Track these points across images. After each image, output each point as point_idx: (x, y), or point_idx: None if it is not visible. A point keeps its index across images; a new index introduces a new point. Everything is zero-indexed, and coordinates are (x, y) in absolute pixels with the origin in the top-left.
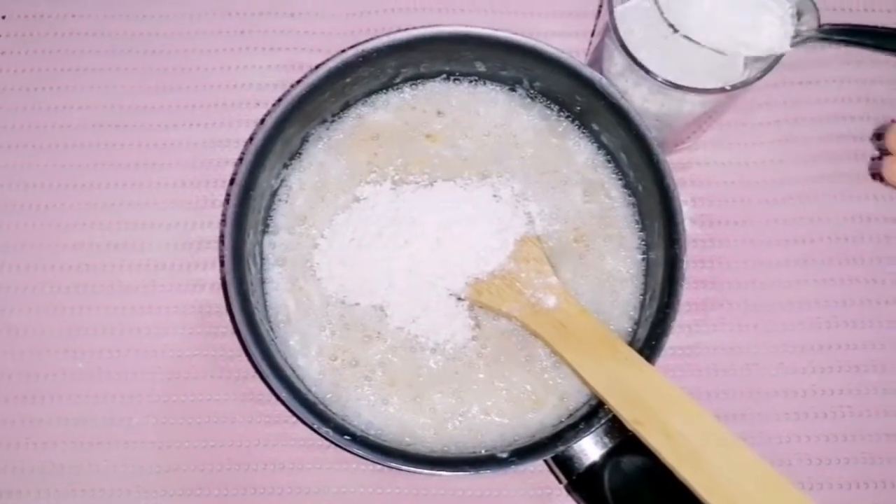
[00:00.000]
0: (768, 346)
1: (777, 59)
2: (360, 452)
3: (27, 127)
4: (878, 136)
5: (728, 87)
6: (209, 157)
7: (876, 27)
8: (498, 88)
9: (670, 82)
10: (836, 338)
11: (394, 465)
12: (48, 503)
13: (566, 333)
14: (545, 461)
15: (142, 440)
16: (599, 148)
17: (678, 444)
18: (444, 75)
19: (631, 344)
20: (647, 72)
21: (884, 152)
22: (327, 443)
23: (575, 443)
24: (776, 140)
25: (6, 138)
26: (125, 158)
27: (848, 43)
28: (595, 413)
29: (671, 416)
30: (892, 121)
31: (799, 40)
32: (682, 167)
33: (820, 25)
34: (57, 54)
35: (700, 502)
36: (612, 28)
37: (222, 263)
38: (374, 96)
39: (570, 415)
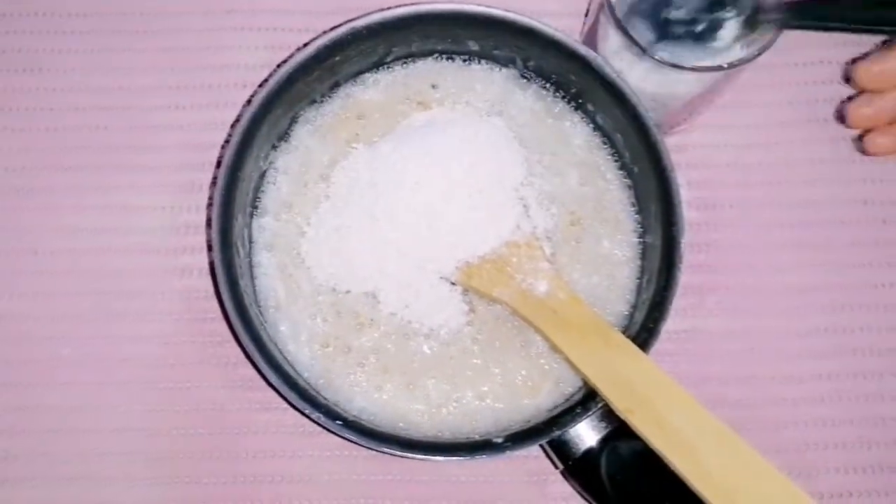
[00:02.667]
0: (765, 330)
1: (774, 37)
2: (353, 437)
3: (7, 109)
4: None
5: (725, 66)
6: (195, 139)
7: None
8: (494, 67)
9: (666, 61)
10: (832, 322)
11: (387, 450)
12: (33, 492)
13: (557, 321)
14: (541, 446)
15: (129, 428)
16: (595, 129)
17: (670, 435)
18: (437, 54)
19: (628, 327)
20: (644, 50)
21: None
22: (319, 429)
23: (571, 427)
24: (773, 122)
25: None
26: (108, 141)
27: (803, 27)
28: (592, 397)
29: (664, 406)
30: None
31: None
32: (678, 150)
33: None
34: (38, 35)
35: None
36: (608, 6)
37: (210, 248)
38: (364, 75)
39: (567, 399)
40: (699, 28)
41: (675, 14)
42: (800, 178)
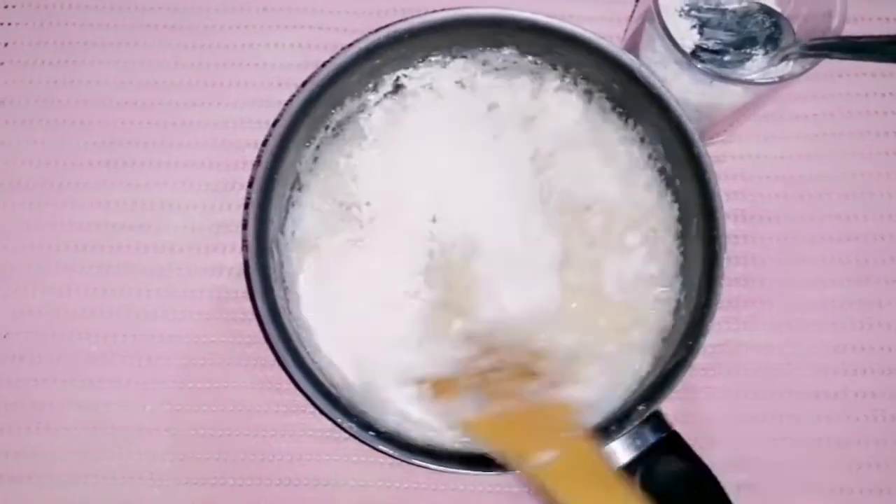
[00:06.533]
0: (801, 345)
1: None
2: (386, 449)
3: (39, 101)
4: None
5: (776, 79)
6: (229, 137)
7: (856, 39)
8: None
9: (715, 72)
10: (870, 339)
11: (420, 463)
12: (58, 489)
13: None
14: None
15: (155, 427)
16: (637, 137)
17: None
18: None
19: (664, 345)
20: (690, 62)
21: None
22: (346, 434)
23: (605, 445)
24: (813, 134)
25: (18, 113)
26: (140, 136)
27: (829, 56)
28: (628, 415)
29: None
30: None
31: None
32: (716, 160)
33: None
34: (72, 27)
35: None
36: (657, 15)
37: (244, 248)
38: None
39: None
40: (727, 59)
41: (705, 44)
42: (840, 191)
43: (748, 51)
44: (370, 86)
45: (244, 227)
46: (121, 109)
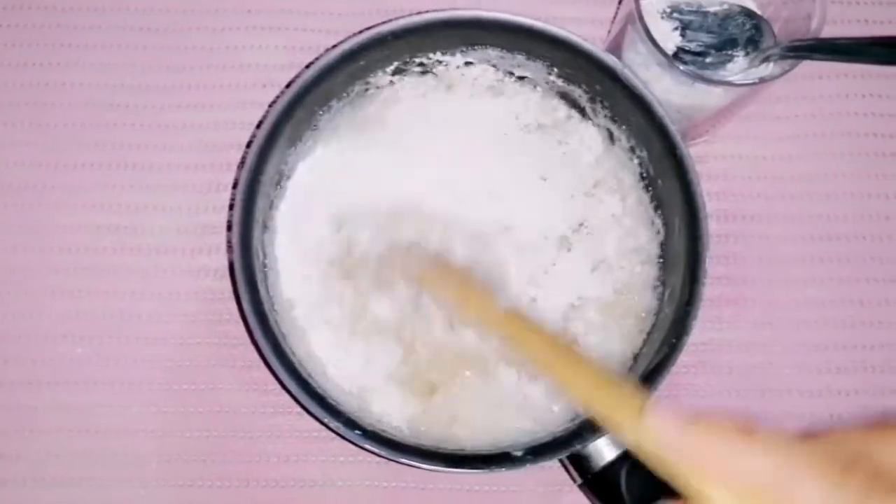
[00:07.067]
0: (783, 344)
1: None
2: (372, 448)
3: (21, 104)
4: None
5: (756, 81)
6: (213, 139)
7: (835, 40)
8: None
9: (697, 74)
10: (852, 338)
11: (406, 461)
12: (43, 492)
13: None
14: (559, 459)
15: (141, 429)
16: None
17: None
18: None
19: (647, 342)
20: (672, 63)
21: None
22: (333, 434)
23: (591, 441)
24: (795, 135)
25: (1, 114)
26: (124, 139)
27: (809, 58)
28: None
29: None
30: None
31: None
32: (699, 160)
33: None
34: (54, 29)
35: None
36: (639, 17)
37: (229, 249)
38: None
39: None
40: (708, 60)
41: (687, 46)
42: (821, 192)
43: (729, 52)
44: (353, 87)
45: (229, 228)
46: (105, 112)
